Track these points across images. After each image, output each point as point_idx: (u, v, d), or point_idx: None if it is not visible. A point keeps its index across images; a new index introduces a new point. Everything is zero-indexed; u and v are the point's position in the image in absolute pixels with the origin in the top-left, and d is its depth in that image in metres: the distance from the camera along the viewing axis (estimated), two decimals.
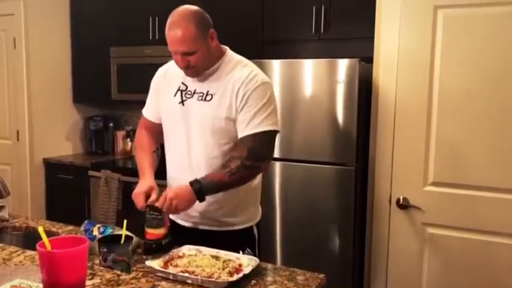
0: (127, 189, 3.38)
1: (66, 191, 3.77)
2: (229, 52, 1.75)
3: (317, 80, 2.64)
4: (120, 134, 4.11)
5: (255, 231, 1.84)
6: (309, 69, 2.66)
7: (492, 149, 2.17)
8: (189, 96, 1.72)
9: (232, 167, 1.61)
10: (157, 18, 3.55)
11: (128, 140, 4.05)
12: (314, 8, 2.95)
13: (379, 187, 2.47)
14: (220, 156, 1.69)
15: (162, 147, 1.90)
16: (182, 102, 1.72)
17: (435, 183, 2.31)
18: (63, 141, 4.07)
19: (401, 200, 2.37)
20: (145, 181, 1.71)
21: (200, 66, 1.66)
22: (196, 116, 1.69)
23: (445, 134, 2.26)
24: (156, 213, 1.59)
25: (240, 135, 1.65)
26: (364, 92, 2.58)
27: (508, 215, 2.16)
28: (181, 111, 1.72)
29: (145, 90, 3.97)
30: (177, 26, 1.60)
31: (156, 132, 1.88)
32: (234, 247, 1.61)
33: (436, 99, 2.27)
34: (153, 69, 3.53)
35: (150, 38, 3.59)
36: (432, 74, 2.26)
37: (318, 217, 2.69)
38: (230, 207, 1.75)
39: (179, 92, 1.74)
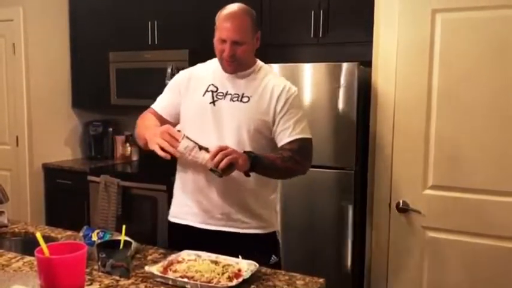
0: (126, 194, 3.39)
1: (66, 196, 3.76)
2: (260, 61, 1.84)
3: (316, 84, 2.64)
4: (119, 138, 4.11)
5: (279, 237, 1.87)
6: (308, 73, 2.66)
7: (492, 152, 2.17)
8: (220, 97, 1.76)
9: (284, 155, 1.68)
10: (156, 23, 3.56)
11: (127, 144, 4.05)
12: (313, 12, 2.96)
13: (378, 191, 2.46)
14: None
15: None
16: (213, 102, 1.76)
17: (435, 187, 2.30)
18: (62, 147, 4.06)
19: (401, 204, 2.37)
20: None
21: (242, 61, 1.72)
22: (230, 116, 1.73)
23: (444, 138, 2.26)
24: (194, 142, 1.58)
25: (287, 139, 1.72)
26: (363, 96, 2.58)
27: (508, 217, 2.16)
28: (212, 111, 1.75)
29: (144, 95, 3.96)
30: (236, 16, 1.70)
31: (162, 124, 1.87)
32: (259, 253, 1.60)
33: (435, 103, 2.27)
34: (152, 74, 3.54)
35: (149, 42, 3.59)
36: (431, 77, 2.27)
37: (317, 221, 2.69)
38: (252, 208, 1.77)
39: (209, 93, 1.77)
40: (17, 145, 3.86)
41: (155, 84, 3.50)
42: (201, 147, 1.59)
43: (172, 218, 1.91)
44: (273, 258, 1.78)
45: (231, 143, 1.70)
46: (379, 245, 2.49)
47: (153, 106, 1.92)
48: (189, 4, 3.42)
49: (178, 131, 1.64)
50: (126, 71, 3.70)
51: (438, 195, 2.30)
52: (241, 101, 1.73)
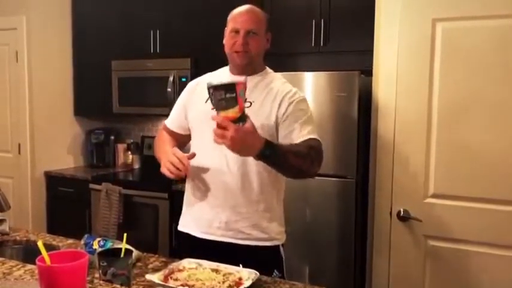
0: (128, 202, 3.39)
1: (68, 204, 3.77)
2: (269, 69, 1.85)
3: (317, 92, 2.65)
4: (121, 147, 4.12)
5: (282, 252, 1.81)
6: (309, 82, 2.67)
7: (492, 160, 2.17)
8: None
9: (300, 149, 1.61)
10: (158, 31, 3.58)
11: (129, 152, 4.06)
12: (314, 21, 2.98)
13: (379, 199, 2.46)
14: (254, 162, 1.67)
15: None
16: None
17: (436, 195, 2.30)
18: (64, 154, 4.08)
19: (402, 212, 2.37)
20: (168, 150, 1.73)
21: (253, 55, 1.72)
22: None
23: (445, 146, 2.27)
24: (222, 92, 1.38)
25: (298, 139, 1.66)
26: (364, 105, 2.59)
27: (510, 227, 2.16)
28: None
29: (146, 103, 3.98)
30: (250, 10, 1.73)
31: (177, 140, 1.90)
32: (261, 267, 1.57)
33: (436, 112, 2.27)
34: (154, 82, 3.55)
35: (152, 51, 3.62)
36: (431, 86, 2.27)
37: (318, 229, 2.68)
38: (254, 219, 1.74)
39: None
40: (19, 153, 3.88)
41: (157, 93, 3.56)
42: None
43: (179, 227, 1.90)
44: (275, 273, 1.73)
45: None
46: (380, 253, 2.48)
47: (166, 122, 1.96)
48: (191, 13, 3.44)
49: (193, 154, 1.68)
50: (128, 80, 3.71)
51: (439, 204, 2.29)
52: None
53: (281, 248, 1.81)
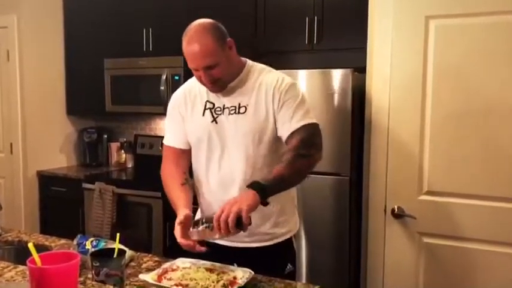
0: (121, 201, 3.37)
1: (60, 204, 3.75)
2: (250, 62, 1.73)
3: (311, 90, 2.65)
4: (114, 145, 4.09)
5: (294, 244, 1.78)
6: (303, 80, 2.66)
7: (486, 158, 2.17)
8: (219, 112, 1.67)
9: (288, 157, 1.55)
10: (151, 29, 3.56)
11: (122, 151, 4.04)
12: (307, 18, 2.97)
13: (374, 196, 2.46)
14: (264, 166, 1.64)
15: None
16: (215, 120, 1.67)
17: (430, 192, 2.31)
18: (57, 154, 4.05)
19: (396, 209, 2.37)
20: (180, 212, 1.58)
21: (225, 79, 1.63)
22: (232, 131, 1.65)
23: (439, 143, 2.27)
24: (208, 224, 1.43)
25: (287, 132, 1.61)
26: (357, 102, 2.59)
27: (503, 223, 2.16)
28: (215, 129, 1.67)
29: (139, 101, 3.96)
30: (195, 41, 1.57)
31: (184, 159, 1.79)
32: (274, 263, 1.54)
33: (429, 108, 2.28)
34: (147, 80, 3.53)
35: (144, 49, 3.59)
36: (425, 83, 2.27)
37: (313, 227, 2.68)
38: (274, 217, 1.69)
39: (208, 111, 1.69)
40: (11, 152, 3.85)
41: (150, 91, 3.54)
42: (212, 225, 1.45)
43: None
44: (289, 267, 1.69)
45: (238, 161, 1.64)
46: (374, 250, 2.49)
47: (166, 142, 1.82)
48: (183, 11, 3.42)
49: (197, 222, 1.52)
50: (121, 78, 3.69)
51: (433, 201, 2.30)
52: (238, 112, 1.65)
53: (293, 239, 1.77)
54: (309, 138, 1.60)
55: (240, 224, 1.39)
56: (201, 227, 1.46)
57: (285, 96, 1.63)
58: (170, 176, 1.76)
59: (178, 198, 1.66)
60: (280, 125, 1.63)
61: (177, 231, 1.51)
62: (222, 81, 1.62)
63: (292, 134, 1.61)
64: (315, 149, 1.61)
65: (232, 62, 1.65)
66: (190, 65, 1.62)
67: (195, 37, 1.58)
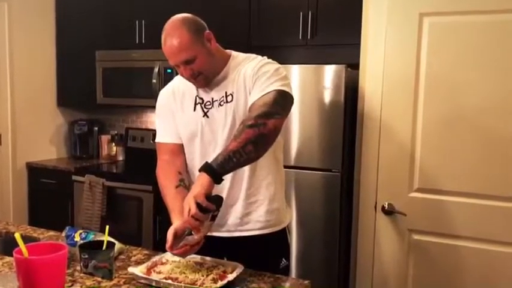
0: (111, 194, 3.35)
1: (50, 196, 3.72)
2: (235, 53, 1.71)
3: (304, 86, 2.64)
4: (105, 138, 4.07)
5: (289, 238, 1.76)
6: (296, 75, 2.66)
7: (477, 155, 2.18)
8: (209, 106, 1.66)
9: (237, 130, 1.48)
10: (143, 22, 3.53)
11: (113, 144, 4.02)
12: (301, 14, 2.96)
13: (364, 193, 2.47)
14: None
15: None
16: (205, 114, 1.67)
17: (420, 190, 2.31)
18: (46, 145, 4.01)
19: (386, 206, 2.37)
20: (174, 221, 1.55)
21: (207, 72, 1.60)
22: (223, 122, 1.64)
23: (430, 141, 2.28)
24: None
25: (253, 99, 1.55)
26: (350, 98, 2.59)
27: (493, 221, 2.18)
28: (207, 123, 1.66)
29: (131, 94, 3.93)
30: (171, 37, 1.56)
31: (179, 155, 1.76)
32: (268, 257, 1.52)
33: (422, 106, 2.28)
34: (139, 73, 3.51)
35: (137, 41, 3.57)
36: (418, 80, 2.28)
37: (303, 222, 2.69)
38: (266, 203, 1.67)
39: (198, 106, 1.68)
40: (0, 144, 3.80)
41: (142, 84, 3.51)
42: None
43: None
44: (284, 262, 1.69)
45: None
46: (364, 246, 2.49)
47: (159, 139, 1.78)
48: (176, 3, 3.39)
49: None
50: (112, 70, 3.66)
51: (424, 198, 2.31)
52: (226, 101, 1.64)
53: (287, 231, 1.75)
54: (261, 106, 1.50)
55: (205, 210, 1.37)
56: (185, 237, 1.45)
57: (258, 71, 1.59)
58: (164, 178, 1.72)
59: (173, 206, 1.61)
60: (250, 100, 1.59)
61: (168, 241, 1.47)
62: (204, 75, 1.61)
63: (250, 106, 1.55)
64: (265, 118, 1.47)
65: (213, 54, 1.62)
66: (170, 62, 1.60)
67: (171, 32, 1.58)
